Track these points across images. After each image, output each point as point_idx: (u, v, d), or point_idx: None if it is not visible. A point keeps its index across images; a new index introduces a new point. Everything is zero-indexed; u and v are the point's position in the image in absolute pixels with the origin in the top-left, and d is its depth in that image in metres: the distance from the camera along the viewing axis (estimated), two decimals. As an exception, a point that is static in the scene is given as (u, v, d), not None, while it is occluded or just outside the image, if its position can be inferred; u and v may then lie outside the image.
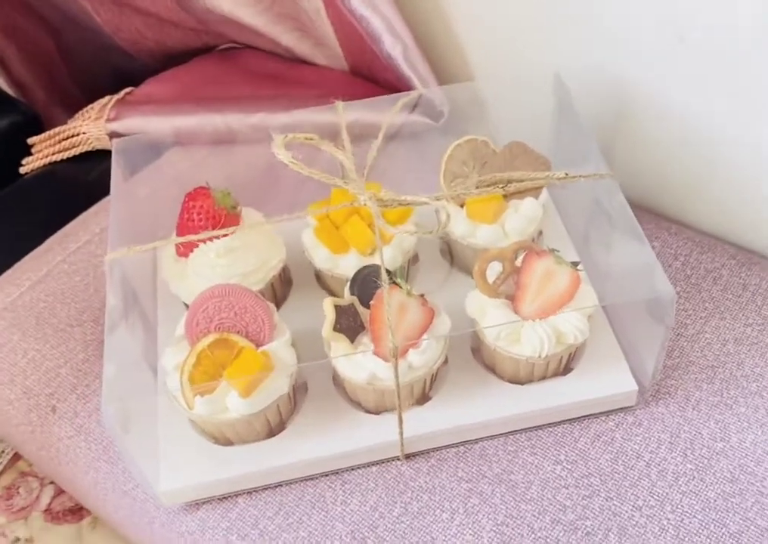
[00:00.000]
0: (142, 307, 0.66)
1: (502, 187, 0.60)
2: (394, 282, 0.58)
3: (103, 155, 0.85)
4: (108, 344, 0.55)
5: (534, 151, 0.68)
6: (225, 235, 0.60)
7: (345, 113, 0.75)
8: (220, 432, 0.59)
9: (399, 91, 0.85)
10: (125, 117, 0.84)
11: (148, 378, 0.64)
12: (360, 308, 0.59)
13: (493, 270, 0.61)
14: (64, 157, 0.85)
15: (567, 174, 0.59)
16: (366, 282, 0.60)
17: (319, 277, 0.69)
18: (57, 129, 0.87)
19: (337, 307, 0.58)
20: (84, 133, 0.84)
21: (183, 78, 0.91)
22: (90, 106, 0.89)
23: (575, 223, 0.71)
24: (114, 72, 1.07)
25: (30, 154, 0.90)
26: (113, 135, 0.84)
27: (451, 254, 0.70)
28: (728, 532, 0.56)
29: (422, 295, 0.59)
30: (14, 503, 0.77)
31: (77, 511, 0.77)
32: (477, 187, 0.66)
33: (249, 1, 0.86)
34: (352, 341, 0.58)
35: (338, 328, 0.58)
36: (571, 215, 0.71)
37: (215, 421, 0.58)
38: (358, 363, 0.58)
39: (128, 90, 0.90)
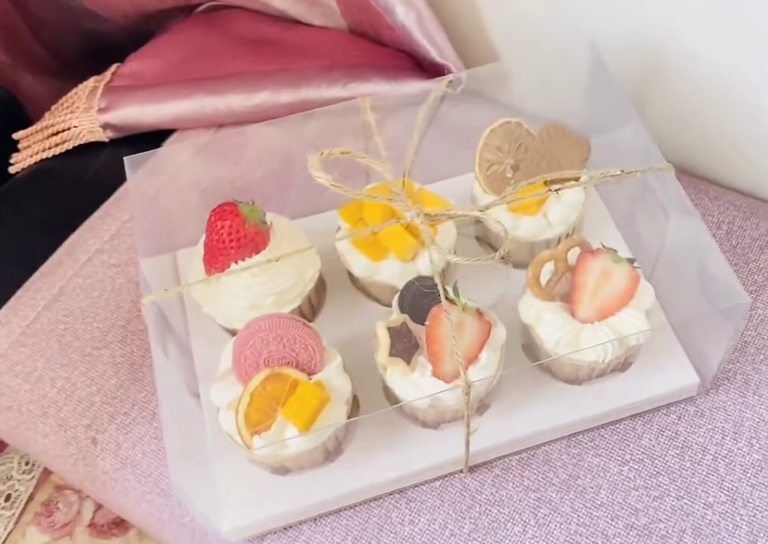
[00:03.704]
0: (175, 331, 0.63)
1: (556, 190, 0.56)
2: (447, 298, 0.55)
3: (97, 147, 0.80)
4: (162, 394, 0.52)
5: (571, 133, 0.63)
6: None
7: (362, 88, 0.71)
8: (278, 463, 0.57)
9: (405, 51, 0.80)
10: (118, 106, 0.78)
11: (191, 405, 0.61)
12: (412, 325, 0.56)
13: (546, 270, 0.59)
14: (56, 153, 0.79)
15: (622, 171, 0.56)
16: (416, 298, 0.57)
17: (353, 278, 0.66)
18: (45, 122, 0.80)
19: (390, 330, 0.55)
20: (75, 126, 0.78)
21: (169, 53, 0.84)
22: (74, 91, 0.82)
23: (617, 203, 0.67)
24: (83, 33, 1.00)
25: (12, 147, 0.84)
26: (106, 127, 0.78)
27: (490, 244, 0.67)
28: (802, 524, 0.56)
29: (477, 309, 0.56)
30: (56, 520, 0.75)
31: (122, 523, 0.76)
32: (514, 174, 0.63)
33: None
34: (408, 362, 0.55)
35: (393, 352, 0.55)
36: (611, 194, 0.68)
37: (274, 456, 0.56)
38: (418, 387, 0.55)
39: (112, 69, 0.83)
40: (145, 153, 0.62)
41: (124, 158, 0.60)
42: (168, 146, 0.77)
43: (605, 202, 0.68)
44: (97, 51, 0.98)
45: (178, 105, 0.78)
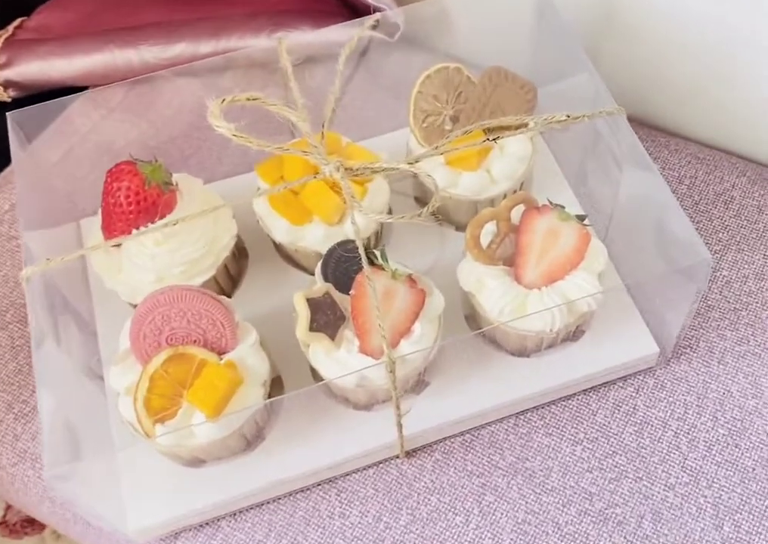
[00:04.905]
0: (73, 306, 0.56)
1: (493, 140, 0.49)
2: (374, 263, 0.48)
3: (-2, 108, 0.73)
4: (40, 382, 0.45)
5: (516, 77, 0.57)
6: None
7: (289, 37, 0.64)
8: (190, 454, 0.51)
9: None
10: (20, 62, 0.70)
11: (93, 388, 0.55)
12: (337, 294, 0.50)
13: (487, 230, 0.52)
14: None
15: (569, 116, 0.49)
16: (340, 264, 0.50)
17: (278, 246, 0.59)
18: (-63, 82, 0.72)
19: (310, 302, 0.49)
20: (-29, 85, 0.70)
21: (81, 4, 0.76)
22: (-27, 47, 0.74)
23: (568, 156, 0.61)
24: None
25: None
26: (7, 85, 0.71)
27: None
28: (772, 505, 0.51)
29: (409, 275, 0.49)
30: (-36, 519, 0.68)
31: (36, 521, 0.69)
32: (453, 125, 0.57)
33: None
34: (333, 337, 0.49)
35: (315, 327, 0.49)
36: (562, 147, 0.62)
37: (182, 447, 0.49)
38: (344, 364, 0.49)
39: (16, 23, 0.75)
40: (32, 106, 0.54)
41: (6, 113, 0.53)
42: (76, 105, 0.69)
43: (556, 155, 0.62)
44: (12, 10, 0.90)
45: (86, 59, 0.70)
